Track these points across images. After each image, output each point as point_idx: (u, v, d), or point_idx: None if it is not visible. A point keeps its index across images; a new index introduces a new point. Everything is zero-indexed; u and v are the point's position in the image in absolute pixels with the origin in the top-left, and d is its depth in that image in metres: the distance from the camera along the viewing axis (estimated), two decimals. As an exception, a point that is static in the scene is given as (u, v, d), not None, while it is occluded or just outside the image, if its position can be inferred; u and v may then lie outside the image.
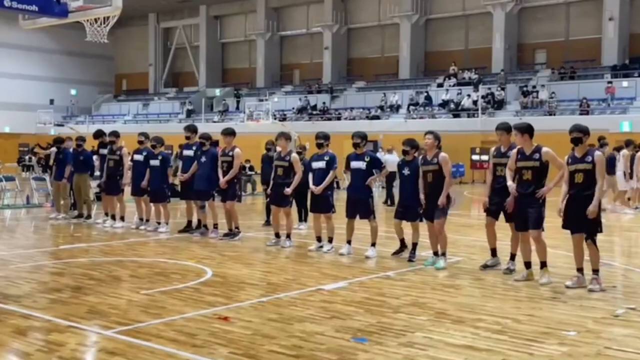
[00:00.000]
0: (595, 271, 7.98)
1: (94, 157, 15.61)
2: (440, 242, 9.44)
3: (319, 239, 10.84)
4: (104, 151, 14.27)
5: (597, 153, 8.03)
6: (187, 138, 12.96)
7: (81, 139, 15.44)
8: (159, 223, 13.12)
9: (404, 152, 9.96)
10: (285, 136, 11.31)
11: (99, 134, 14.90)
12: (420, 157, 9.69)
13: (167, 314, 6.66)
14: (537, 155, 8.43)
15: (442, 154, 9.42)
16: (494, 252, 9.29)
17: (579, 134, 8.07)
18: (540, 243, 8.41)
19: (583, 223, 7.97)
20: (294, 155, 11.22)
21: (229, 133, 12.07)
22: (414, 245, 9.91)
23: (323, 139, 10.82)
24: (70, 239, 12.44)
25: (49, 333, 6.02)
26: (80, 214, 15.05)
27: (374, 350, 5.54)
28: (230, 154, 11.82)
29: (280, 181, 11.09)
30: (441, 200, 9.25)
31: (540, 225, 8.39)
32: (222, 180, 11.70)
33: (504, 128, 9.06)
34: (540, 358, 5.36)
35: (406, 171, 9.94)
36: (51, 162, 16.45)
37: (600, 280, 7.94)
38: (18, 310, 6.77)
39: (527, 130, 8.46)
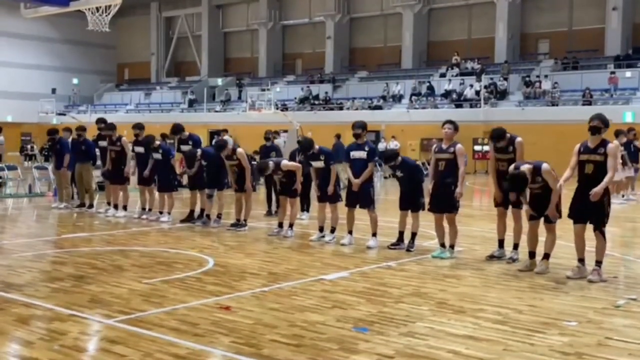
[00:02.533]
0: (598, 262, 7.97)
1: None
2: (451, 234, 9.45)
3: (321, 229, 10.86)
4: (104, 143, 14.23)
5: (610, 145, 7.89)
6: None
7: (82, 129, 15.42)
8: (161, 212, 13.14)
9: (391, 167, 10.16)
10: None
11: (103, 123, 14.80)
12: (435, 145, 9.65)
13: (169, 303, 6.68)
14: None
15: (459, 145, 9.39)
16: (501, 244, 9.30)
17: (599, 124, 7.94)
18: (552, 234, 8.41)
19: (589, 214, 7.94)
20: (284, 162, 11.43)
21: (221, 147, 12.18)
22: (413, 235, 9.91)
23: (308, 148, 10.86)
24: (73, 228, 12.46)
25: (51, 322, 6.04)
26: (82, 203, 15.06)
27: (374, 339, 5.55)
28: (235, 157, 11.91)
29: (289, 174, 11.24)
30: (458, 191, 9.24)
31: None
32: (247, 185, 11.83)
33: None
34: (541, 348, 5.37)
35: (399, 173, 10.00)
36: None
37: (602, 271, 7.94)
38: (20, 299, 6.79)
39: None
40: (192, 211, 12.90)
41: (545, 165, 8.27)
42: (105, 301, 6.76)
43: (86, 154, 15.00)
